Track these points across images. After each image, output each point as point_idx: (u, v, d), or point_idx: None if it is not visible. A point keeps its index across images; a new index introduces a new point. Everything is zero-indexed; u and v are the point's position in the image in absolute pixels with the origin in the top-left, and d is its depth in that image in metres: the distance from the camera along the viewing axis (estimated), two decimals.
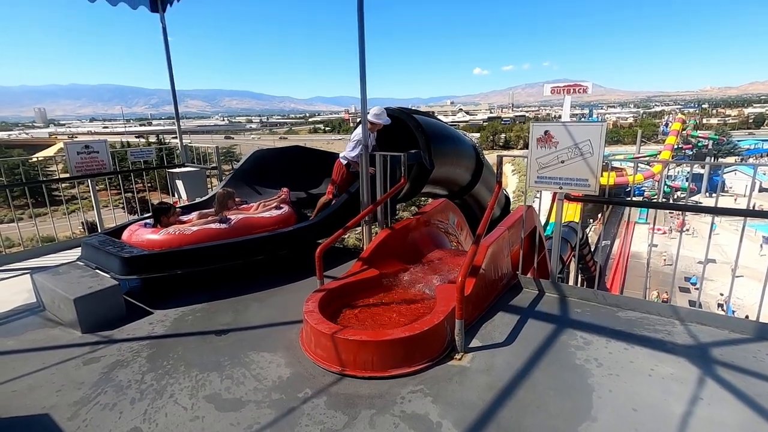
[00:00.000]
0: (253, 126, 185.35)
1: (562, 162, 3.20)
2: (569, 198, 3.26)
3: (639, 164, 52.18)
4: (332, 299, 3.16)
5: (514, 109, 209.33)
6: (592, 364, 2.53)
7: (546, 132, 3.22)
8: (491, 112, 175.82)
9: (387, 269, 3.78)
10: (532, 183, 3.34)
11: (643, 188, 44.68)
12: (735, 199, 41.41)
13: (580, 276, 21.05)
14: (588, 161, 3.08)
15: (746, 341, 2.73)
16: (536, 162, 3.30)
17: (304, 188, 6.63)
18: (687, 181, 46.11)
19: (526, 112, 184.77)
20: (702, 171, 46.84)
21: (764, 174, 46.51)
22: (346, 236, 4.97)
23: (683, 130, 52.05)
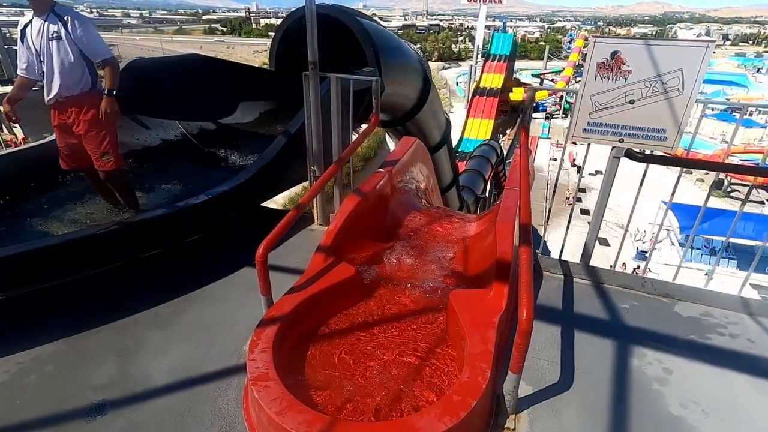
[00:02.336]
0: (132, 21, 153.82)
1: (632, 102, 2.14)
2: (632, 155, 2.27)
3: (543, 80, 54.40)
4: (291, 327, 1.96)
5: (429, 17, 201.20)
6: (693, 413, 1.77)
7: (615, 54, 2.09)
8: (405, 20, 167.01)
9: (361, 253, 2.61)
10: (579, 132, 2.28)
11: (546, 104, 47.01)
12: None
13: (493, 191, 22.15)
14: (673, 102, 2.07)
15: None
16: (590, 100, 2.21)
17: (211, 116, 4.85)
18: None
19: (440, 20, 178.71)
20: None
21: None
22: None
23: (584, 47, 54.42)
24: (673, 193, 2.56)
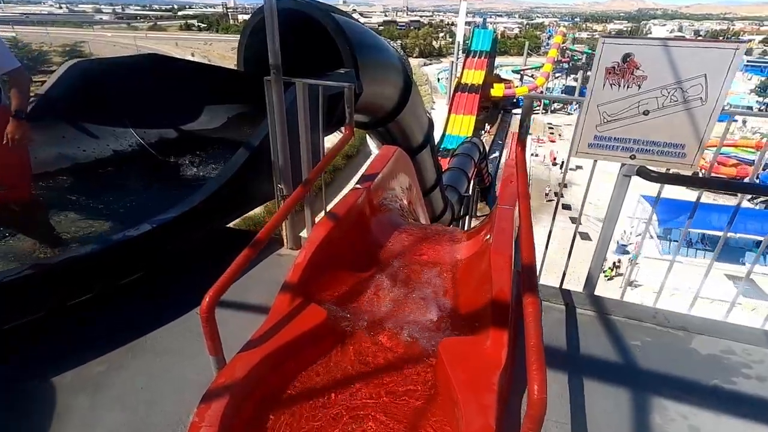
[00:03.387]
0: (104, 17, 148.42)
1: (646, 113, 1.85)
2: (645, 174, 1.97)
3: (524, 76, 54.83)
4: (246, 395, 1.59)
5: (409, 12, 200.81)
6: None
7: (627, 57, 1.78)
8: (386, 16, 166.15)
9: (335, 288, 2.25)
10: (584, 147, 1.97)
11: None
12: None
13: (476, 188, 22.04)
14: (694, 114, 1.78)
15: None
16: (597, 111, 1.90)
17: (172, 122, 4.41)
18: (562, 93, 50.18)
19: (421, 16, 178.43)
20: (575, 84, 50.75)
21: None
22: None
23: (563, 43, 55.03)
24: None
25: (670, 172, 1.97)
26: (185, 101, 4.46)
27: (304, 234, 3.03)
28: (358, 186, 2.67)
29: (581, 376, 1.93)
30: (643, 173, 1.94)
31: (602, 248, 2.27)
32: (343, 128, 3.01)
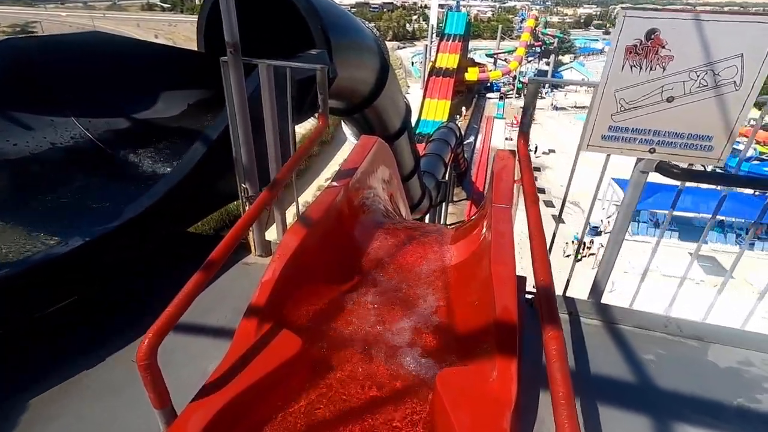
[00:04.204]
0: None
1: (670, 100, 1.59)
2: (666, 170, 1.72)
3: (497, 60, 54.85)
4: None
5: None
6: None
7: (652, 34, 1.51)
8: None
9: (310, 306, 1.94)
10: (596, 139, 1.71)
11: (500, 84, 47.47)
12: (565, 95, 47.10)
13: (453, 173, 21.97)
14: (726, 100, 1.54)
15: None
16: (614, 97, 1.63)
17: (122, 110, 3.92)
18: (535, 77, 50.63)
19: None
20: (547, 68, 51.20)
21: (594, 72, 53.26)
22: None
23: (535, 27, 55.19)
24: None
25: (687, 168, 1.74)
26: (138, 86, 3.97)
27: (274, 235, 2.69)
28: (334, 183, 2.34)
29: (595, 399, 1.71)
30: (664, 169, 1.70)
31: (612, 253, 2.05)
32: (316, 116, 2.66)
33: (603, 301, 2.14)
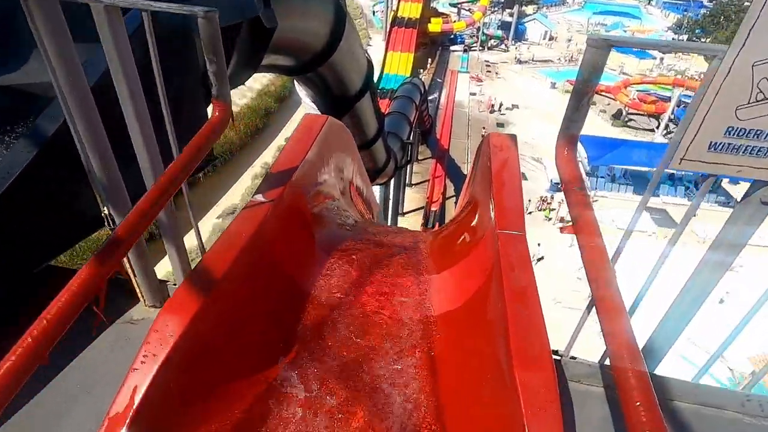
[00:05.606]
0: None
1: None
2: None
3: (461, 10, 52.78)
4: None
5: None
6: None
7: None
8: None
9: (221, 410, 1.19)
10: (700, 150, 0.99)
11: (464, 36, 45.82)
12: (528, 47, 46.36)
13: (417, 131, 21.19)
14: None
15: None
16: (751, 78, 0.90)
17: None
18: (498, 29, 49.28)
19: None
20: (510, 19, 49.79)
21: (557, 24, 52.46)
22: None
23: None
24: None
25: None
26: None
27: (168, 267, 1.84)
28: (258, 198, 1.54)
29: None
30: None
31: (678, 323, 1.40)
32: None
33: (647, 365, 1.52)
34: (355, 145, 2.84)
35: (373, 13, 52.57)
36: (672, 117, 30.03)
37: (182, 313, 1.09)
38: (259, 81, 27.46)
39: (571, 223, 1.16)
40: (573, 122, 1.19)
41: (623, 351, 0.92)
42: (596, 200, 23.22)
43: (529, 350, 1.08)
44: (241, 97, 25.23)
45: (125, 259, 1.55)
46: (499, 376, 1.13)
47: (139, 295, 1.70)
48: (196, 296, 1.13)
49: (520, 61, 43.43)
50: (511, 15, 50.26)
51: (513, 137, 1.96)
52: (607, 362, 1.54)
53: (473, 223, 1.77)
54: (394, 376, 1.35)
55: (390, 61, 32.06)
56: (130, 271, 1.55)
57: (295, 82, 7.24)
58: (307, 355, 1.40)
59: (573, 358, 1.54)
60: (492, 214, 1.54)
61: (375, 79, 13.99)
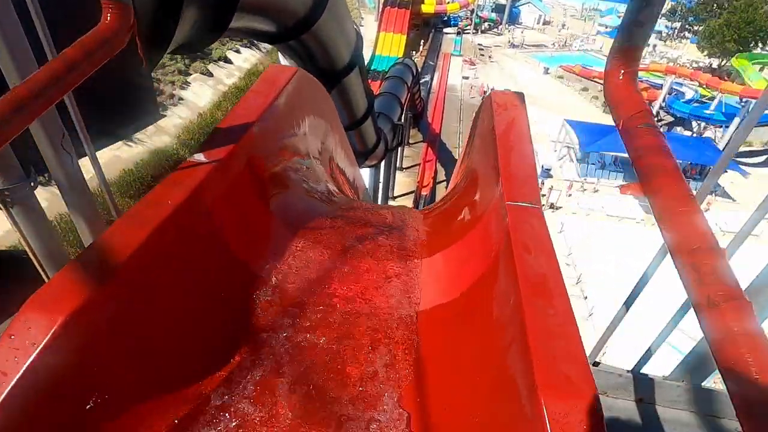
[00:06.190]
0: None
1: None
2: None
3: None
4: None
5: None
6: None
7: None
8: None
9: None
10: None
11: (458, 18, 44.98)
12: (522, 31, 45.82)
13: (408, 114, 20.73)
14: None
15: None
16: None
17: None
18: (492, 12, 48.54)
19: None
20: (505, 2, 49.09)
21: (551, 8, 51.86)
22: None
23: None
24: None
25: None
26: None
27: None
28: (197, 158, 1.17)
29: None
30: None
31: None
32: None
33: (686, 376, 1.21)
34: (334, 108, 2.47)
35: None
36: (663, 104, 29.89)
37: (55, 313, 0.74)
38: (248, 60, 26.52)
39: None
40: (638, 27, 0.82)
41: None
42: (584, 189, 23.19)
43: (559, 367, 0.75)
44: (229, 76, 24.31)
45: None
46: (512, 404, 0.80)
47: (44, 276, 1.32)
48: (81, 288, 0.77)
49: (513, 45, 42.85)
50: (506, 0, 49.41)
51: (520, 94, 1.62)
52: (644, 370, 1.23)
53: (475, 197, 1.43)
54: (368, 400, 1.00)
55: (382, 42, 31.24)
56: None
57: (280, 54, 6.74)
58: (256, 363, 1.05)
59: (595, 364, 1.22)
60: (499, 185, 1.20)
61: (365, 56, 13.46)
